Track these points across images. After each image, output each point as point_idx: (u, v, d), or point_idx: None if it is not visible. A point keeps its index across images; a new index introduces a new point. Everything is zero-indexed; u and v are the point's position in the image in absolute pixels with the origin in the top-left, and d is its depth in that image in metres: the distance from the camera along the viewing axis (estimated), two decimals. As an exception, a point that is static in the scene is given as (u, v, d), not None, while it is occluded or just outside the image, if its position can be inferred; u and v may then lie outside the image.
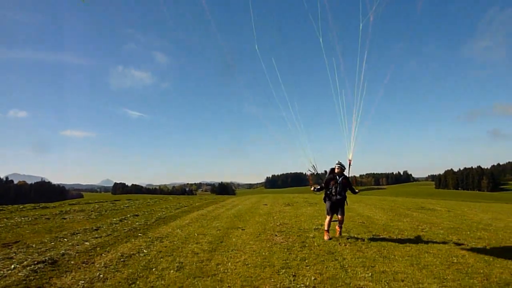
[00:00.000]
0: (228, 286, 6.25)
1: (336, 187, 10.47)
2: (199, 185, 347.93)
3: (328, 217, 10.54)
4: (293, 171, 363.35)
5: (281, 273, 7.06)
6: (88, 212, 17.83)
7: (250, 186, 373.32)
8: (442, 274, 7.12)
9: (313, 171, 10.71)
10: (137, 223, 13.41)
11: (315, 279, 6.70)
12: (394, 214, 17.24)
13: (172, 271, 7.12)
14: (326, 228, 10.54)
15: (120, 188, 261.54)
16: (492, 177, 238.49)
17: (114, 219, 14.38)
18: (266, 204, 22.10)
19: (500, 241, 11.15)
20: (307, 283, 6.44)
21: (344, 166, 10.51)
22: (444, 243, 10.39)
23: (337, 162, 10.67)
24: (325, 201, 10.80)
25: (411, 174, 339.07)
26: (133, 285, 6.26)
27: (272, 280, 6.59)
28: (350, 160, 10.36)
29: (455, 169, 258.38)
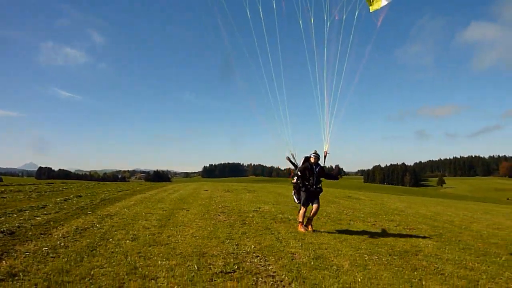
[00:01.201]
0: (180, 252, 7.24)
1: (313, 177, 10.15)
2: (132, 172, 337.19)
3: (303, 209, 10.21)
4: (230, 161, 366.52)
5: (225, 243, 8.20)
6: (27, 193, 17.53)
7: (186, 174, 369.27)
8: (358, 245, 8.72)
9: (292, 160, 10.73)
10: (82, 203, 13.74)
11: (254, 247, 7.94)
12: (324, 201, 19.11)
13: (128, 241, 7.94)
14: (300, 220, 10.24)
15: (45, 173, 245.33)
16: (414, 174, 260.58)
17: (58, 199, 14.52)
18: (206, 190, 23.08)
19: (408, 223, 13.27)
20: (248, 250, 7.65)
21: (319, 156, 10.31)
22: (362, 223, 12.20)
23: (313, 151, 10.37)
24: (298, 192, 10.52)
25: (342, 168, 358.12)
26: (94, 251, 7.00)
27: (219, 248, 7.70)
28: (326, 152, 10.36)
29: (382, 165, 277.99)
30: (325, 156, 10.37)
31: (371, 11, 9.92)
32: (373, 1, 9.78)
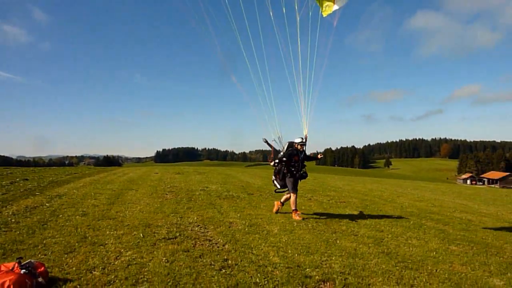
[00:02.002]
0: (128, 224, 7.96)
1: (299, 163, 10.01)
2: (80, 158, 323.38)
3: (294, 195, 9.89)
4: (184, 145, 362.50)
5: (170, 216, 9.01)
6: (-33, 177, 17.12)
7: (138, 160, 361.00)
8: (290, 215, 9.85)
9: (278, 144, 10.35)
10: (30, 185, 13.85)
11: (197, 218, 8.84)
12: (269, 180, 20.32)
13: (77, 217, 8.52)
14: (294, 207, 9.86)
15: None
16: (363, 156, 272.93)
17: (4, 182, 14.46)
18: (157, 173, 23.52)
19: (341, 198, 14.74)
20: (191, 221, 8.53)
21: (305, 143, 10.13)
22: (300, 198, 13.43)
23: (300, 138, 10.06)
24: (282, 178, 10.13)
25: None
26: (45, 226, 7.55)
27: (164, 220, 8.50)
28: (306, 136, 10.16)
29: (333, 148, 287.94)
30: (306, 140, 10.17)
31: (324, 16, 10.22)
32: (325, 8, 10.18)
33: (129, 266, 5.31)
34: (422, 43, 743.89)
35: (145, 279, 4.89)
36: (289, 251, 6.48)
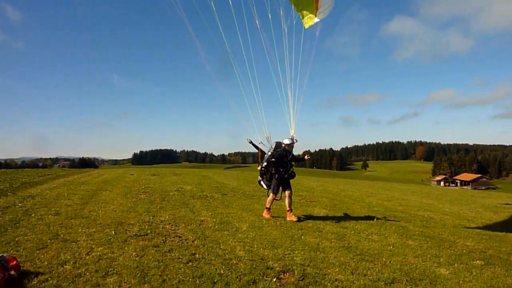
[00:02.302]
0: (100, 222, 8.17)
1: (287, 164, 10.01)
2: (55, 160, 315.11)
3: (273, 196, 10.00)
4: (163, 147, 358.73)
5: (143, 215, 9.25)
6: None
7: (115, 162, 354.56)
8: (260, 213, 10.23)
9: (266, 144, 10.29)
10: (1, 186, 13.76)
11: (169, 217, 9.11)
12: (244, 181, 20.72)
13: (50, 216, 8.66)
14: (268, 206, 10.13)
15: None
16: (341, 158, 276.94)
17: (-27, 184, 14.31)
18: (132, 174, 23.53)
19: (312, 197, 15.23)
20: (163, 219, 8.80)
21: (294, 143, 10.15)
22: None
23: (289, 138, 10.07)
24: (270, 178, 10.10)
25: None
26: (18, 224, 7.68)
27: (136, 219, 8.74)
28: (293, 136, 10.21)
29: (312, 150, 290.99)
30: (295, 141, 10.21)
31: (305, 27, 10.40)
32: (307, 19, 10.28)
33: (100, 261, 5.57)
34: (398, 47, 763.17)
35: (115, 271, 5.16)
36: (255, 246, 6.85)
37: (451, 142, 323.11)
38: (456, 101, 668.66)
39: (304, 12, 10.36)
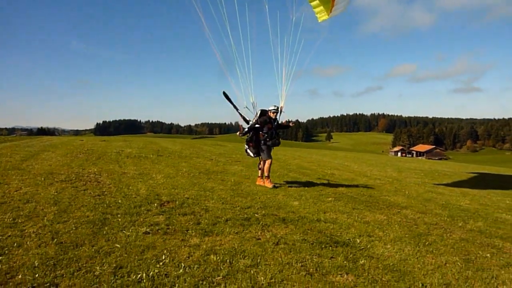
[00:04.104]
0: (34, 173, 9.66)
1: (272, 132, 10.18)
2: (11, 130, 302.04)
3: (269, 161, 10.18)
4: (126, 118, 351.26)
5: (74, 168, 10.77)
6: None
7: (77, 132, 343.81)
8: (178, 167, 11.99)
9: (251, 110, 10.38)
10: None
11: (97, 170, 10.69)
12: (189, 147, 22.34)
13: (-10, 168, 10.05)
14: (267, 174, 10.20)
15: None
16: (306, 130, 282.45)
17: None
18: (82, 140, 24.53)
19: (238, 158, 17.07)
20: (90, 171, 10.38)
21: (278, 110, 10.36)
22: (207, 160, 15.60)
23: (274, 106, 10.27)
24: (256, 145, 10.23)
25: (242, 125, 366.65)
26: (-41, 173, 9.08)
27: (67, 170, 10.27)
28: (282, 107, 10.51)
29: (279, 121, 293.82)
30: (281, 111, 10.48)
31: (319, 21, 10.97)
32: (322, 14, 10.80)
33: (25, 195, 7.19)
34: (364, 21, 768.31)
35: (34, 200, 6.82)
36: (158, 188, 8.66)
37: (412, 115, 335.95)
38: (417, 75, 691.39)
39: (320, 8, 10.85)
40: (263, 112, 10.17)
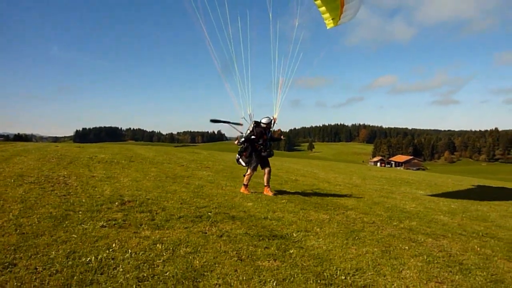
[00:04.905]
0: (4, 175, 10.11)
1: (266, 143, 10.51)
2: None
3: (251, 173, 10.55)
4: (107, 125, 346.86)
5: (45, 171, 11.24)
6: None
7: (56, 139, 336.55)
8: (164, 179, 12.57)
9: (248, 121, 10.63)
10: None
11: (67, 173, 11.19)
12: (162, 154, 22.82)
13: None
14: (246, 183, 10.63)
15: None
16: (289, 139, 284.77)
17: None
18: (57, 146, 24.76)
19: (233, 171, 17.69)
20: (60, 174, 10.88)
21: (272, 122, 10.72)
22: (180, 167, 16.20)
23: (268, 117, 10.64)
24: (249, 155, 10.55)
25: (224, 134, 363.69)
26: None
27: (37, 173, 10.75)
28: (275, 118, 10.86)
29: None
30: (274, 122, 10.81)
31: (327, 28, 11.35)
32: (330, 21, 11.11)
33: (-7, 194, 7.69)
34: (346, 33, 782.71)
35: (2, 199, 7.33)
36: (123, 190, 9.24)
37: (392, 126, 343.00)
38: (398, 87, 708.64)
39: (328, 14, 11.16)
40: (257, 124, 10.54)
